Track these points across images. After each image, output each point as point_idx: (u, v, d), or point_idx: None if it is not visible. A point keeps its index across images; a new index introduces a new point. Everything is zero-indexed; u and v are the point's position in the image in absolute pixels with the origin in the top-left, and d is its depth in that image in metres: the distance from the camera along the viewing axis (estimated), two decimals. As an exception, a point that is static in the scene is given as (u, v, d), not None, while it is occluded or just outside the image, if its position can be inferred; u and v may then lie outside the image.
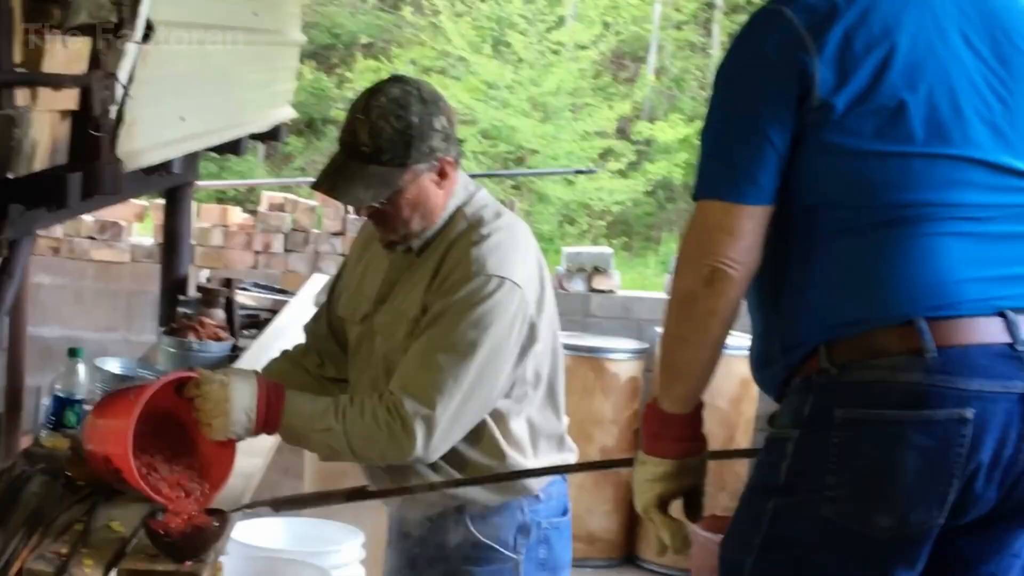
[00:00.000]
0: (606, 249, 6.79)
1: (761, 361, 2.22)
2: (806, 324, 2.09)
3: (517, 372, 2.54)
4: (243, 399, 2.48)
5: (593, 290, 6.50)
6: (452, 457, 2.54)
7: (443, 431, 2.47)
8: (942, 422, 1.97)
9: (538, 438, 2.62)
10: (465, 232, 2.55)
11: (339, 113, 13.37)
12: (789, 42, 2.06)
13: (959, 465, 1.98)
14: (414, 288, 2.56)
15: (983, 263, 2.05)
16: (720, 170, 2.10)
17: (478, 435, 2.55)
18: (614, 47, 14.58)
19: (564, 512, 2.70)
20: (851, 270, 2.07)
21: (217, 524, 2.45)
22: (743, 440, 5.77)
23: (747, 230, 2.06)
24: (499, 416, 2.56)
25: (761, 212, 2.08)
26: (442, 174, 2.54)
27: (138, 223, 6.91)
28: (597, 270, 6.52)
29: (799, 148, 2.08)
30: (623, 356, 5.97)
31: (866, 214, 2.06)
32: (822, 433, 2.04)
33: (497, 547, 2.60)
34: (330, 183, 2.51)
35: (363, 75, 13.84)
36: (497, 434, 2.56)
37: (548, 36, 14.07)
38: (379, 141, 2.47)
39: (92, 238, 6.71)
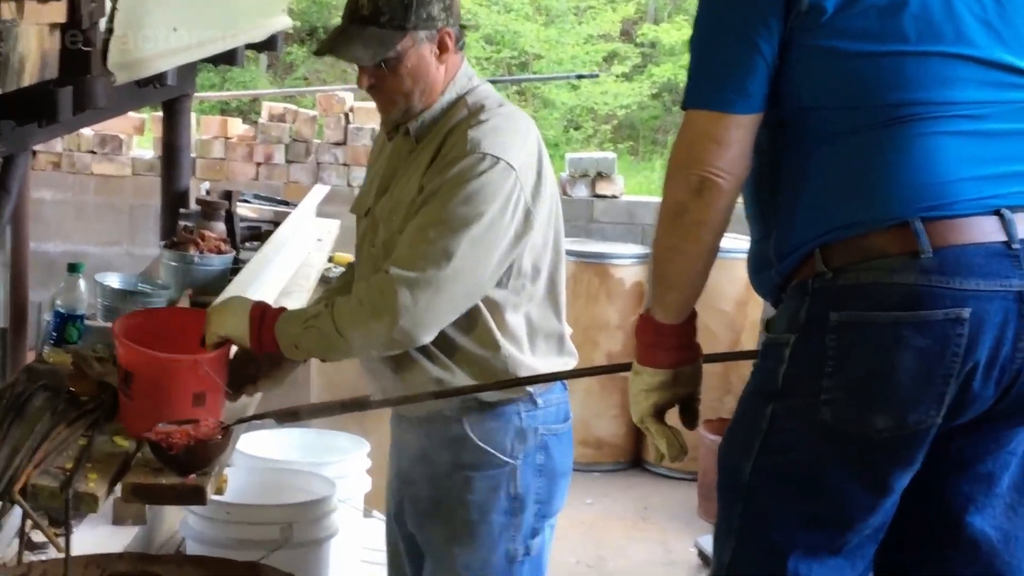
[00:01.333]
0: (609, 154, 6.75)
1: (757, 265, 2.22)
2: (801, 228, 2.08)
3: (513, 259, 2.52)
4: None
5: (597, 195, 6.48)
6: (443, 343, 2.53)
7: (428, 300, 2.43)
8: (938, 322, 1.97)
9: (536, 335, 2.61)
10: (465, 118, 2.56)
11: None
12: None
13: (956, 365, 1.98)
14: (413, 175, 2.57)
15: (978, 161, 2.03)
16: (708, 79, 2.09)
17: (471, 322, 2.54)
18: (617, -53, 14.35)
19: (565, 419, 2.69)
20: (845, 172, 2.05)
21: (221, 437, 2.46)
22: (748, 343, 5.76)
23: (736, 139, 2.05)
24: (494, 306, 2.54)
25: (750, 120, 2.07)
26: (442, 46, 2.55)
27: (138, 136, 6.88)
28: (600, 175, 6.49)
29: (789, 52, 2.06)
30: (627, 261, 5.96)
31: (859, 115, 2.04)
32: (818, 337, 2.03)
33: (494, 452, 2.60)
34: (330, 45, 2.56)
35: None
36: (491, 324, 2.55)
37: (550, -63, 13.85)
38: (378, 3, 2.51)
39: (93, 152, 6.69)
